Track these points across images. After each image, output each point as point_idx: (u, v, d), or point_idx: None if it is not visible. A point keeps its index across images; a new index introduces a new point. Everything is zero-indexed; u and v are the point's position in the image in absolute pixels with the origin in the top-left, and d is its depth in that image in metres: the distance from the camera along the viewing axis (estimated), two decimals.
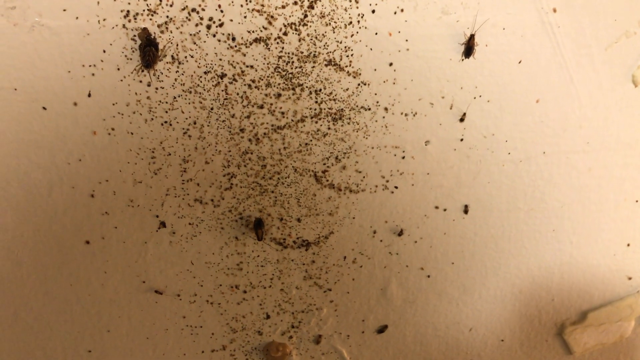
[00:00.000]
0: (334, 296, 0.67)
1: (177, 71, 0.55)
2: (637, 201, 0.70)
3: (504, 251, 0.69)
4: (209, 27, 0.54)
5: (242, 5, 0.53)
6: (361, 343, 0.69)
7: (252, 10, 0.54)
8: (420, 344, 0.71)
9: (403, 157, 0.63)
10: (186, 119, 0.56)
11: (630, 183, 0.69)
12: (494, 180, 0.65)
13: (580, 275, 0.72)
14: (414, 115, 0.61)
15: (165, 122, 0.56)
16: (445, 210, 0.66)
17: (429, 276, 0.68)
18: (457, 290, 0.69)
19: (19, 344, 0.62)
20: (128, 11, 0.52)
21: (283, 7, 0.54)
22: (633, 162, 0.68)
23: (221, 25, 0.54)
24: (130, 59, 0.54)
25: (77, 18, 0.52)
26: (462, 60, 0.60)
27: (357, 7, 0.56)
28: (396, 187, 0.64)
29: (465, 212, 0.66)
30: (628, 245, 0.72)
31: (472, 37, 0.58)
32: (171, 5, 0.52)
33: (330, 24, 0.56)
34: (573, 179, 0.67)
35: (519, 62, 0.61)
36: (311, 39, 0.56)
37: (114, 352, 0.64)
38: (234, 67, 0.55)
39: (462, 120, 0.62)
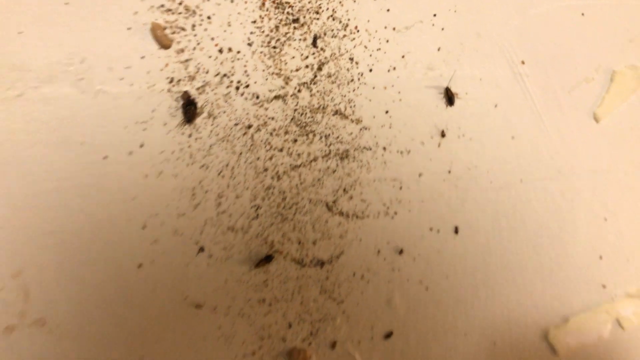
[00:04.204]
0: (346, 307, 0.78)
1: (212, 124, 0.67)
2: (605, 219, 0.81)
3: (491, 265, 0.80)
4: (237, 88, 0.66)
5: (263, 70, 0.66)
6: (370, 347, 0.80)
7: (272, 73, 0.66)
8: (422, 348, 0.82)
9: (400, 188, 0.75)
10: (220, 162, 0.69)
11: (598, 204, 0.80)
12: (479, 205, 0.77)
13: (560, 285, 0.83)
14: (408, 152, 0.73)
15: (203, 165, 0.69)
16: (438, 231, 0.77)
17: (427, 288, 0.79)
18: (452, 300, 0.80)
19: (82, 352, 0.74)
20: (172, 78, 0.65)
21: (297, 70, 0.67)
22: (599, 185, 0.79)
23: (247, 86, 0.66)
24: (175, 115, 0.66)
25: (131, 85, 0.64)
26: (447, 107, 0.72)
27: (357, 68, 0.68)
28: (395, 213, 0.76)
29: (456, 232, 0.78)
30: (600, 257, 0.83)
31: (447, 89, 0.70)
32: (207, 72, 0.65)
33: (335, 82, 0.68)
34: (548, 202, 0.79)
35: (495, 106, 0.73)
36: (320, 95, 0.68)
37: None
38: (258, 119, 0.68)
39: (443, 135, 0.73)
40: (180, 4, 0.62)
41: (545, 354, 0.86)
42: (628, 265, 0.84)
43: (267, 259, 0.74)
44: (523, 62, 0.72)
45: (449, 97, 0.71)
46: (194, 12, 0.63)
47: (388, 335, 0.80)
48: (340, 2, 0.65)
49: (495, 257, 0.80)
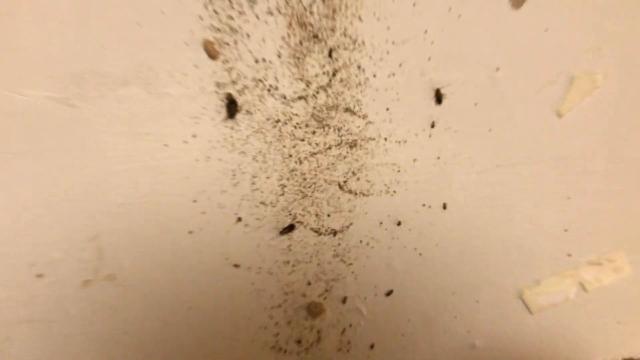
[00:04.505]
0: (354, 269, 0.95)
1: (249, 119, 0.85)
2: (569, 198, 0.98)
3: (473, 236, 0.97)
4: (269, 90, 0.84)
5: (289, 76, 0.84)
6: (374, 303, 0.98)
7: (296, 79, 0.84)
8: (417, 304, 0.99)
9: (399, 171, 0.92)
10: (255, 149, 0.86)
11: (562, 185, 0.97)
12: (463, 185, 0.94)
13: (532, 254, 1.00)
14: (404, 142, 0.90)
15: (242, 152, 0.86)
16: (430, 207, 0.95)
17: (420, 254, 0.96)
18: (441, 264, 0.97)
19: (143, 301, 0.91)
20: (219, 82, 0.82)
21: (316, 76, 0.84)
22: (562, 170, 0.96)
23: (277, 89, 0.84)
24: (220, 112, 0.83)
25: (187, 88, 0.82)
26: (436, 105, 0.89)
27: (364, 74, 0.85)
28: (395, 192, 0.93)
29: (444, 208, 0.95)
30: (565, 230, 0.99)
31: (437, 90, 0.87)
32: (246, 78, 0.83)
33: (346, 85, 0.86)
34: (520, 183, 0.95)
35: (475, 104, 0.90)
36: (334, 95, 0.86)
37: (206, 310, 0.93)
38: (285, 115, 0.85)
39: (433, 127, 0.90)
40: (226, 24, 0.80)
41: (520, 311, 1.03)
42: (589, 237, 1.01)
43: (291, 227, 0.91)
44: (498, 69, 0.89)
45: (438, 97, 0.88)
46: (237, 30, 0.81)
47: (389, 293, 0.97)
48: (350, 22, 0.83)
49: (477, 229, 0.97)
